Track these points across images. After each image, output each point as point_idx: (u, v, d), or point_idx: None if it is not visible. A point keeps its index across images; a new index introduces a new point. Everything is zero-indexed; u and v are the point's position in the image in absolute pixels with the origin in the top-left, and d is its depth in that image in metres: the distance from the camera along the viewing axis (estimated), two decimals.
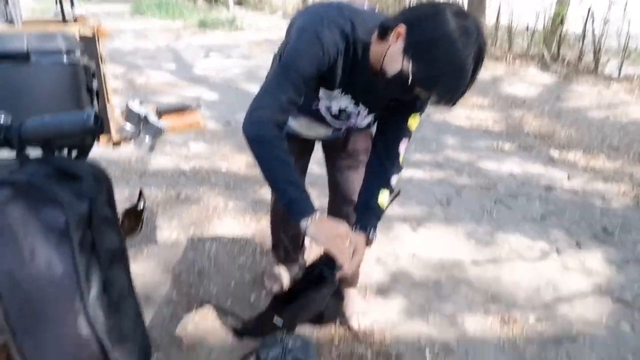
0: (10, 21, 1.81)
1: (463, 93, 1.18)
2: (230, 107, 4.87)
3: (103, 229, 0.90)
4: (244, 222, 2.78)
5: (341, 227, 1.30)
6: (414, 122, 1.50)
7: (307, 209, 1.28)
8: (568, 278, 2.38)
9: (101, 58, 1.85)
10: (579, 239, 2.71)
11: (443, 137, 4.29)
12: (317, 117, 1.57)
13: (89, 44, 1.93)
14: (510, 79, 5.98)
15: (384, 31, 1.24)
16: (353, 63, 1.32)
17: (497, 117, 4.85)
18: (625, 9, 5.67)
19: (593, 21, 5.93)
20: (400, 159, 1.52)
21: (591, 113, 4.85)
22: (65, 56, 1.48)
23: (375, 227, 1.48)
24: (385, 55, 1.21)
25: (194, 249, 2.50)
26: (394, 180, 1.52)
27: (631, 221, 2.92)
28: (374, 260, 2.44)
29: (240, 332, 1.63)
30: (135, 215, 1.74)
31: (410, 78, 1.15)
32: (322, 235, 1.26)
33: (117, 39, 8.31)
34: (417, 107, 1.47)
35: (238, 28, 10.67)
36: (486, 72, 5.97)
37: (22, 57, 1.40)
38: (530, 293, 2.26)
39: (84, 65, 1.58)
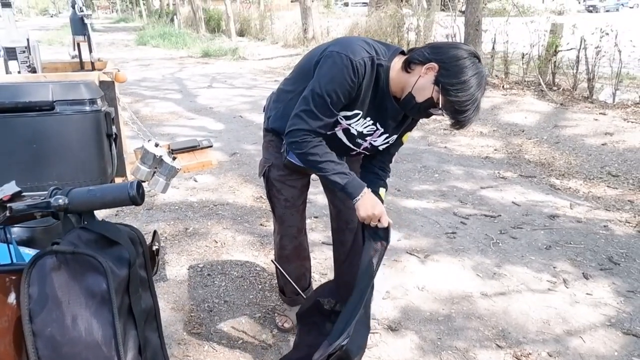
0: (33, 70, 1.86)
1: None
2: (236, 137, 4.92)
3: (140, 292, 0.92)
4: (252, 256, 2.79)
5: (376, 205, 1.59)
6: (406, 138, 1.80)
7: (357, 187, 1.58)
8: (577, 310, 2.40)
9: (119, 102, 1.89)
10: (586, 270, 2.73)
11: (445, 166, 4.34)
12: (332, 142, 1.66)
13: (107, 87, 1.98)
14: (508, 107, 6.07)
15: (408, 64, 1.50)
16: (376, 85, 1.54)
17: (497, 145, 4.92)
18: (616, 37, 5.79)
19: (586, 50, 6.06)
20: (391, 163, 1.85)
21: (589, 140, 4.92)
22: (88, 105, 1.52)
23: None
24: (415, 84, 1.48)
25: (203, 286, 2.51)
26: (387, 179, 1.85)
27: (635, 250, 2.95)
28: (384, 294, 2.45)
29: None
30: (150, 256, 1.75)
31: (442, 107, 1.45)
32: (362, 207, 1.57)
33: (122, 69, 8.43)
34: (412, 126, 1.76)
35: (240, 58, 10.83)
36: (485, 100, 6.07)
37: (47, 108, 1.45)
38: (541, 326, 2.28)
39: (105, 112, 1.62)
